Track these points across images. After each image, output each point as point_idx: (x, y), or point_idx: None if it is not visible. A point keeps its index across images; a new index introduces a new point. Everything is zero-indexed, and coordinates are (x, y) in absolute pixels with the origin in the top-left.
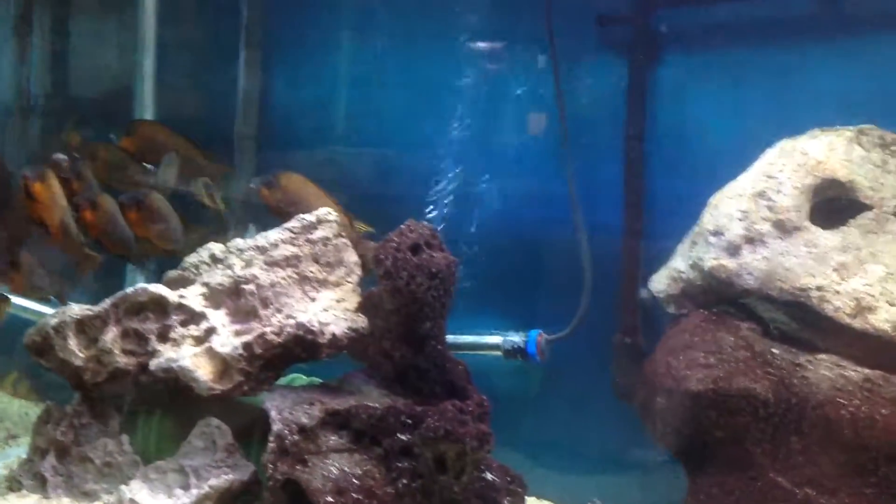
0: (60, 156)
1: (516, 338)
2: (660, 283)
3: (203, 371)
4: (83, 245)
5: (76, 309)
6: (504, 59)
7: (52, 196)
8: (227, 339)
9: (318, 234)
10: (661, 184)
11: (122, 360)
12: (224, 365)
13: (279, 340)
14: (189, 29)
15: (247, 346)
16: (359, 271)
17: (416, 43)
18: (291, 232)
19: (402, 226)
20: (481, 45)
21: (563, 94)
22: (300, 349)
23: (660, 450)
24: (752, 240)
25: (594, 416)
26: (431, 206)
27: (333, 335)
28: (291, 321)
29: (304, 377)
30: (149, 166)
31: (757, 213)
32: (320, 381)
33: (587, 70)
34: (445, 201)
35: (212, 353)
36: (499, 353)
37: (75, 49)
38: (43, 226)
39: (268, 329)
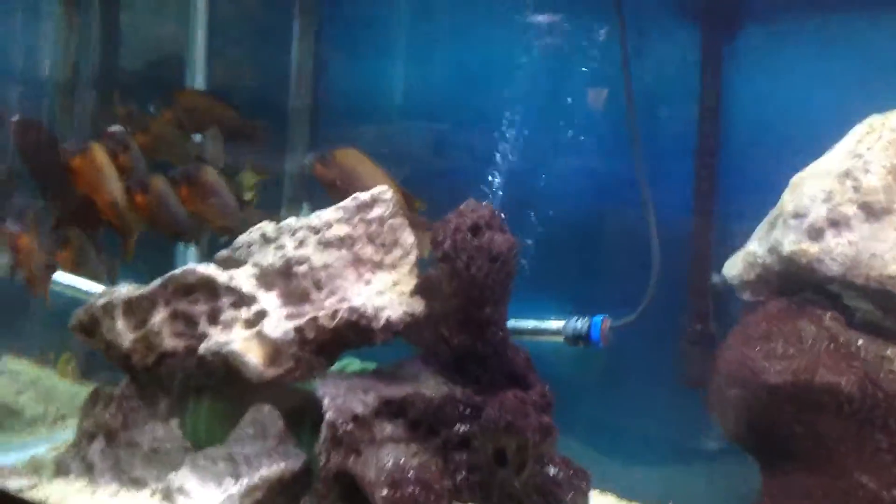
0: (116, 128)
1: (579, 323)
2: (734, 267)
3: (253, 355)
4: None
5: (124, 289)
6: (566, 30)
7: (95, 169)
8: (279, 322)
9: (373, 213)
10: (737, 162)
11: (171, 343)
12: (275, 349)
13: (332, 325)
14: None
15: (298, 330)
16: (416, 253)
17: (475, 13)
18: (346, 211)
19: (461, 206)
20: (542, 15)
21: (629, 65)
22: (353, 334)
23: (729, 442)
24: (836, 223)
25: (660, 406)
26: (491, 184)
27: (388, 320)
28: (345, 305)
29: (358, 362)
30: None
31: (842, 195)
32: (374, 366)
33: (656, 39)
34: (506, 178)
35: (262, 337)
36: (561, 338)
37: (124, 20)
38: (91, 201)
39: (321, 313)
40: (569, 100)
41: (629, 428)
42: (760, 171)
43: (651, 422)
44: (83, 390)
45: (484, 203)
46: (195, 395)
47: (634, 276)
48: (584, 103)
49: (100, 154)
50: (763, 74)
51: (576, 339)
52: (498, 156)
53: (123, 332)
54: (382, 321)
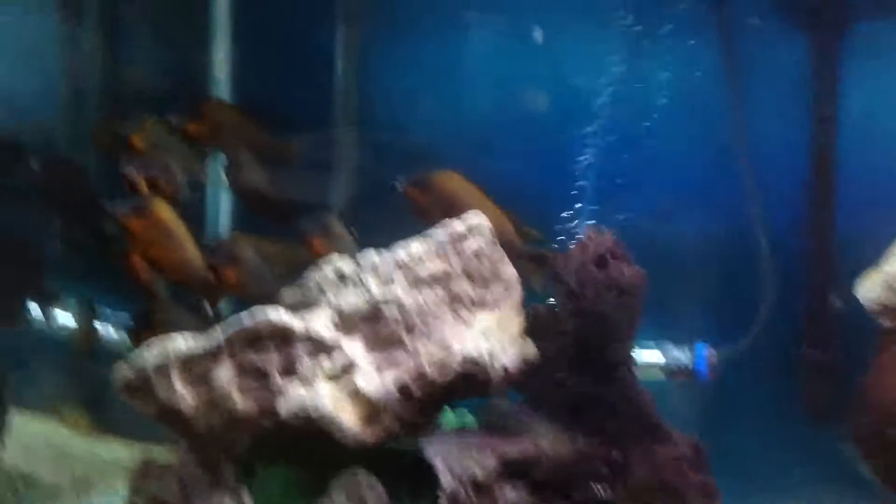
0: (130, 168)
1: (681, 354)
2: (871, 290)
3: (347, 415)
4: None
5: (181, 343)
6: (662, 35)
7: (160, 227)
8: (374, 375)
9: (469, 244)
10: (857, 174)
11: (241, 403)
12: (372, 408)
13: (442, 377)
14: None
15: (401, 384)
16: (519, 288)
17: (557, 20)
18: (438, 243)
19: (582, 235)
20: (634, 18)
21: (735, 73)
22: (466, 386)
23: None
24: None
25: (776, 443)
26: (576, 202)
27: (505, 368)
28: (453, 352)
29: (452, 414)
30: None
31: None
32: (469, 417)
33: (762, 44)
34: (593, 196)
35: (356, 394)
36: (659, 371)
37: (133, 33)
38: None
39: (426, 363)
40: (665, 110)
41: (744, 471)
42: (884, 184)
43: (769, 461)
44: (101, 448)
45: (605, 231)
46: (268, 461)
47: (744, 300)
48: (682, 113)
49: (161, 208)
50: (884, 79)
51: (678, 371)
52: (582, 174)
53: (183, 394)
54: (499, 369)
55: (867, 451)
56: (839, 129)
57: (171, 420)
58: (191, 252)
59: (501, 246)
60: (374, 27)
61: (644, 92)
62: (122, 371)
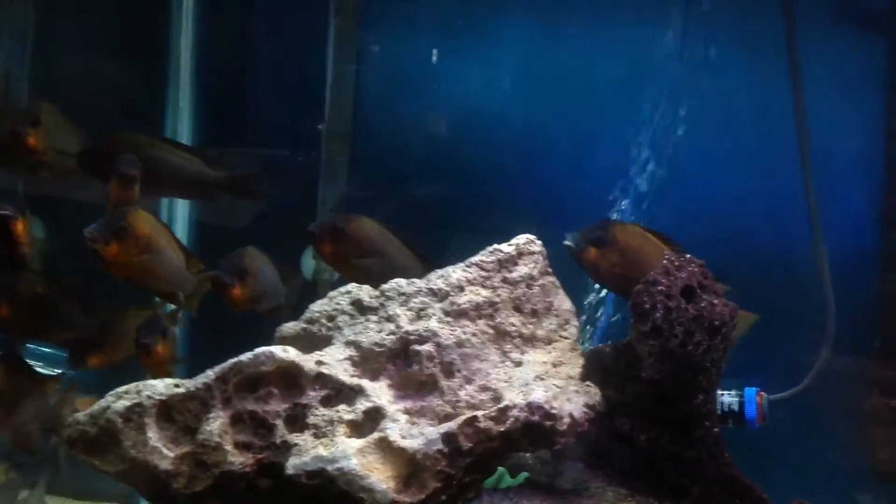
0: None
1: (728, 397)
2: None
3: (378, 476)
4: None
5: (160, 386)
6: (722, 40)
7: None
8: (411, 426)
9: (518, 271)
10: None
11: (237, 459)
12: (412, 466)
13: (500, 429)
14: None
15: (449, 437)
16: (577, 323)
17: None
18: (482, 269)
19: (664, 261)
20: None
21: (801, 80)
22: (528, 440)
23: None
24: None
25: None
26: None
27: (572, 418)
28: (513, 399)
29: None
30: None
31: None
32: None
33: (832, 51)
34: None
35: (388, 448)
36: None
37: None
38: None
39: (476, 410)
40: (716, 121)
41: None
42: None
43: None
44: None
45: (689, 257)
46: None
47: (801, 338)
48: (737, 125)
49: (144, 223)
50: None
51: (724, 416)
52: (623, 191)
53: (159, 448)
54: (567, 420)
55: None
56: None
57: (140, 480)
58: (177, 261)
59: None
60: (373, 21)
61: (694, 106)
62: (77, 421)
